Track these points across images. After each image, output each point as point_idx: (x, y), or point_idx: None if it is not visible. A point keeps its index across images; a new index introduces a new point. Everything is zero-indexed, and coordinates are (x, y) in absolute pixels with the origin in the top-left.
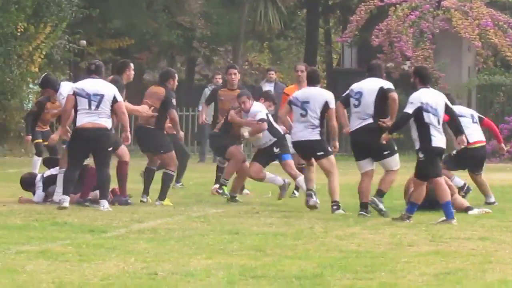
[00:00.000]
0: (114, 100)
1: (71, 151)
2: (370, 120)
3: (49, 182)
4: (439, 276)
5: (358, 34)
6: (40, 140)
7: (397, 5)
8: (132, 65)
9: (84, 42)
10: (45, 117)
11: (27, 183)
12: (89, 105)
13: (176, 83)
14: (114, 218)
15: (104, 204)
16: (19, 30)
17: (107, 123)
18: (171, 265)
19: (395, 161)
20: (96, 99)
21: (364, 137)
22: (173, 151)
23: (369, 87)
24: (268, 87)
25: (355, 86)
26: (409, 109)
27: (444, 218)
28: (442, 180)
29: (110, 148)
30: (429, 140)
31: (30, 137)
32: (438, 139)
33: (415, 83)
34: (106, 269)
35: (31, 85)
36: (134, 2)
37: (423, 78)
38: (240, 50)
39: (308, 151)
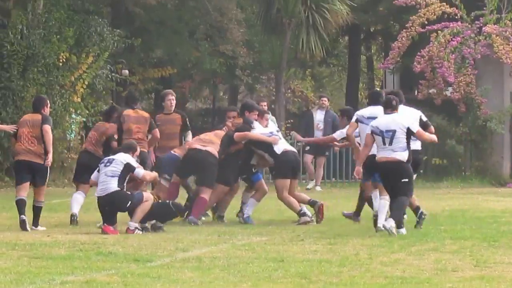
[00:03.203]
0: (409, 131)
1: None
2: None
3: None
4: None
5: (400, 61)
6: None
7: (439, 31)
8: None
9: (126, 71)
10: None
11: None
12: (383, 141)
13: None
14: (159, 247)
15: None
16: (61, 60)
17: (402, 156)
18: None
19: None
20: (388, 136)
21: None
22: None
23: None
24: (319, 113)
25: None
26: None
27: None
28: None
29: (406, 180)
30: None
31: None
32: None
33: None
34: None
35: (73, 115)
36: (176, 31)
37: None
38: (283, 78)
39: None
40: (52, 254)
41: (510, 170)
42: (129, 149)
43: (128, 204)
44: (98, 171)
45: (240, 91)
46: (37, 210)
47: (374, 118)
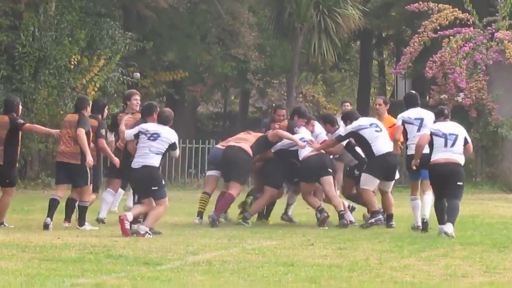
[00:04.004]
0: (465, 141)
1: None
2: None
3: None
4: None
5: (412, 66)
6: None
7: (451, 37)
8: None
9: (138, 74)
10: None
11: None
12: (445, 143)
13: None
14: (169, 250)
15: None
16: (72, 63)
17: (461, 159)
18: None
19: None
20: (451, 138)
21: None
22: None
23: None
24: None
25: None
26: None
27: None
28: None
29: (461, 183)
30: None
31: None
32: None
33: None
34: None
35: None
36: (188, 35)
37: None
38: (294, 82)
39: None
40: (62, 256)
41: None
42: (169, 121)
43: (155, 187)
44: (136, 136)
45: (251, 95)
46: (81, 210)
47: (421, 118)
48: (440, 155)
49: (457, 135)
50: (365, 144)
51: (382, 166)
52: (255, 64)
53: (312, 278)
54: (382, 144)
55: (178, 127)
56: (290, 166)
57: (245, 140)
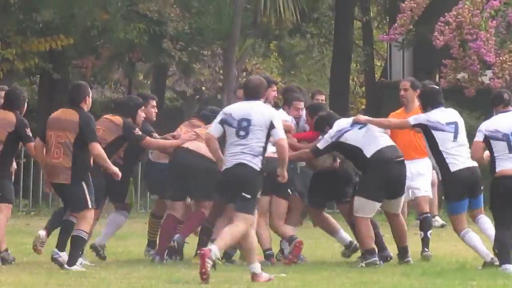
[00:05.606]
0: None
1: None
2: None
3: None
4: None
5: (414, 29)
6: None
7: None
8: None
9: None
10: None
11: None
12: (510, 148)
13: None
14: None
15: None
16: None
17: None
18: None
19: None
20: None
21: None
22: None
23: None
24: None
25: None
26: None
27: None
28: None
29: None
30: None
31: None
32: None
33: None
34: None
35: None
36: None
37: None
38: (235, 54)
39: None
40: None
41: None
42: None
43: None
44: None
45: (169, 74)
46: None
47: (454, 122)
48: (507, 165)
49: None
50: (355, 152)
51: (381, 176)
52: (176, 27)
53: None
54: (377, 140)
55: None
56: None
57: (199, 138)
